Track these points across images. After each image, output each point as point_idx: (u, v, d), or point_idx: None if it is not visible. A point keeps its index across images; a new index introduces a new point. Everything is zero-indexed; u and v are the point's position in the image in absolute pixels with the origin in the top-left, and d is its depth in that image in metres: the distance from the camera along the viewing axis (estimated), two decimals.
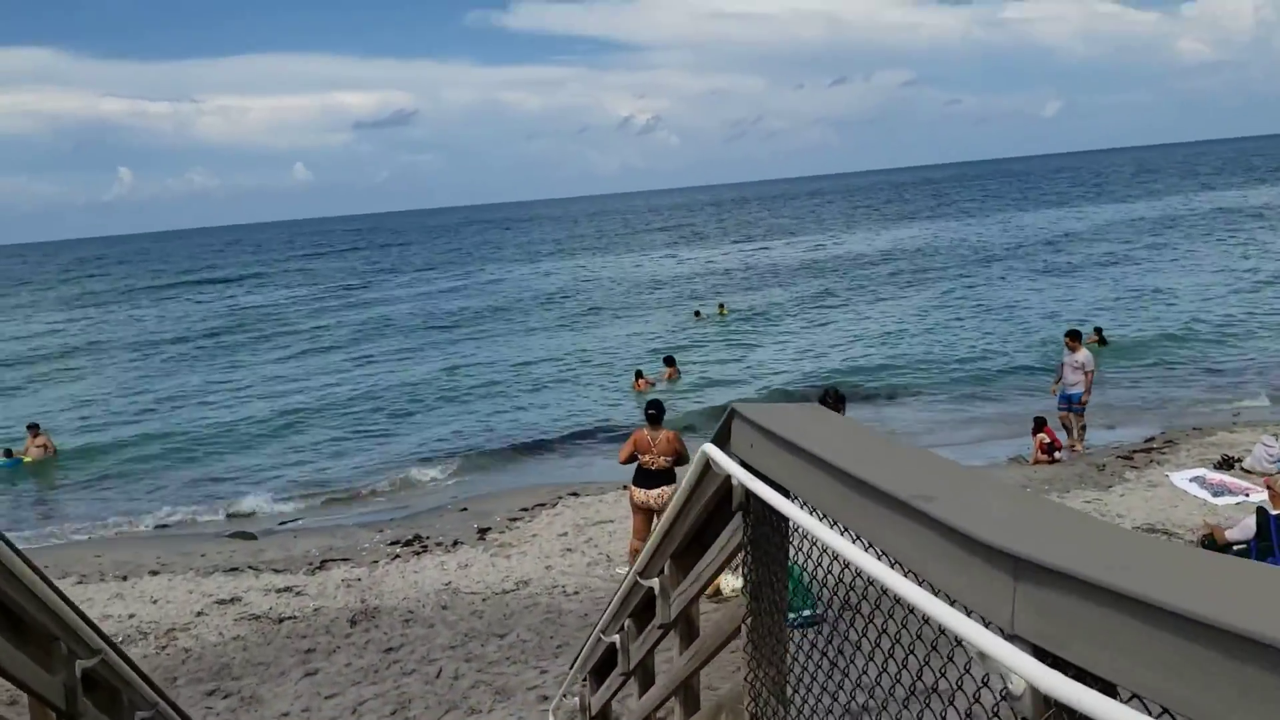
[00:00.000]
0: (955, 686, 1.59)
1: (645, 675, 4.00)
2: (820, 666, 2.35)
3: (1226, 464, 12.36)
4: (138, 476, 18.15)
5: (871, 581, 1.68)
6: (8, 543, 2.78)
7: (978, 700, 1.50)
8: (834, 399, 9.29)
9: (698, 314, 31.86)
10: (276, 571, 11.07)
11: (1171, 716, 1.05)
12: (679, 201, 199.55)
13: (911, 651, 1.84)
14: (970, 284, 35.63)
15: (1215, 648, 0.97)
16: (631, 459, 9.49)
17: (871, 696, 2.03)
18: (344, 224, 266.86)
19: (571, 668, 5.42)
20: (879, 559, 1.69)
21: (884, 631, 1.96)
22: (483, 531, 12.28)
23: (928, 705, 1.76)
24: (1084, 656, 1.18)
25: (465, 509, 14.01)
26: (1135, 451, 13.78)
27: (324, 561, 11.39)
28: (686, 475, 2.87)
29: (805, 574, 2.45)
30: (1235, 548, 7.85)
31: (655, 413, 9.47)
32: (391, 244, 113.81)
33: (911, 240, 55.93)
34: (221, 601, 9.98)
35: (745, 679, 2.71)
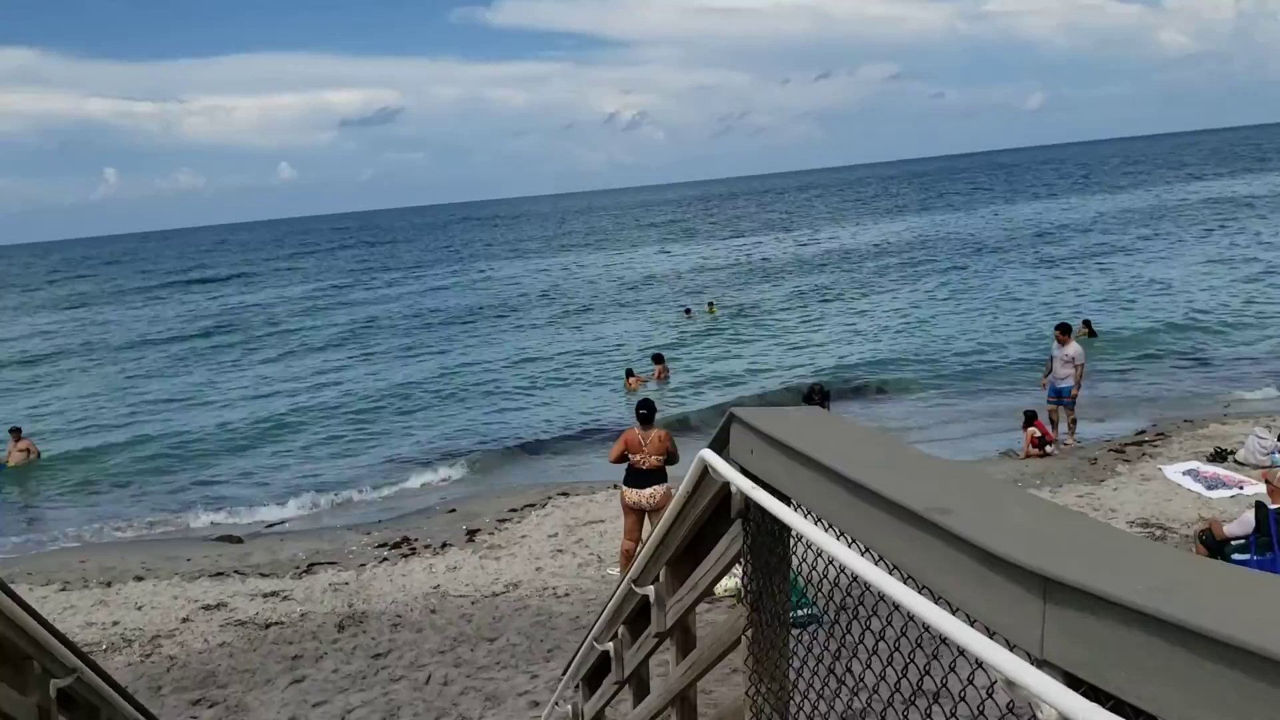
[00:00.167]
0: (977, 713, 1.50)
1: (640, 684, 3.93)
2: (826, 683, 2.25)
3: (1219, 456, 12.33)
4: (123, 480, 17.94)
5: (882, 597, 1.59)
6: None
7: None
8: (820, 395, 9.23)
9: (688, 312, 31.78)
10: (263, 576, 10.92)
11: None
12: (668, 198, 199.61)
13: (927, 672, 1.74)
14: (961, 277, 35.66)
15: None
16: (622, 459, 9.39)
17: (882, 717, 1.94)
18: (331, 222, 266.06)
19: (564, 674, 5.33)
20: (890, 573, 1.60)
21: (897, 649, 1.86)
22: (471, 533, 12.15)
23: None
24: (1125, 688, 1.08)
25: (454, 510, 13.88)
26: (1127, 445, 13.75)
27: (311, 565, 11.24)
28: (683, 481, 2.77)
29: (799, 576, 2.37)
30: (1234, 542, 7.78)
31: (646, 412, 9.37)
32: (379, 242, 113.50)
33: (901, 235, 55.97)
34: (207, 607, 9.83)
35: (746, 693, 2.62)
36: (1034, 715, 1.18)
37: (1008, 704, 1.26)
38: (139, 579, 10.94)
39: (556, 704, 5.62)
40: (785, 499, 2.10)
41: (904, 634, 1.81)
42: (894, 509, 1.61)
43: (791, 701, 2.49)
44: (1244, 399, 16.50)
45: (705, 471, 2.57)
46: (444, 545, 11.71)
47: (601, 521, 11.89)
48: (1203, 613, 1.00)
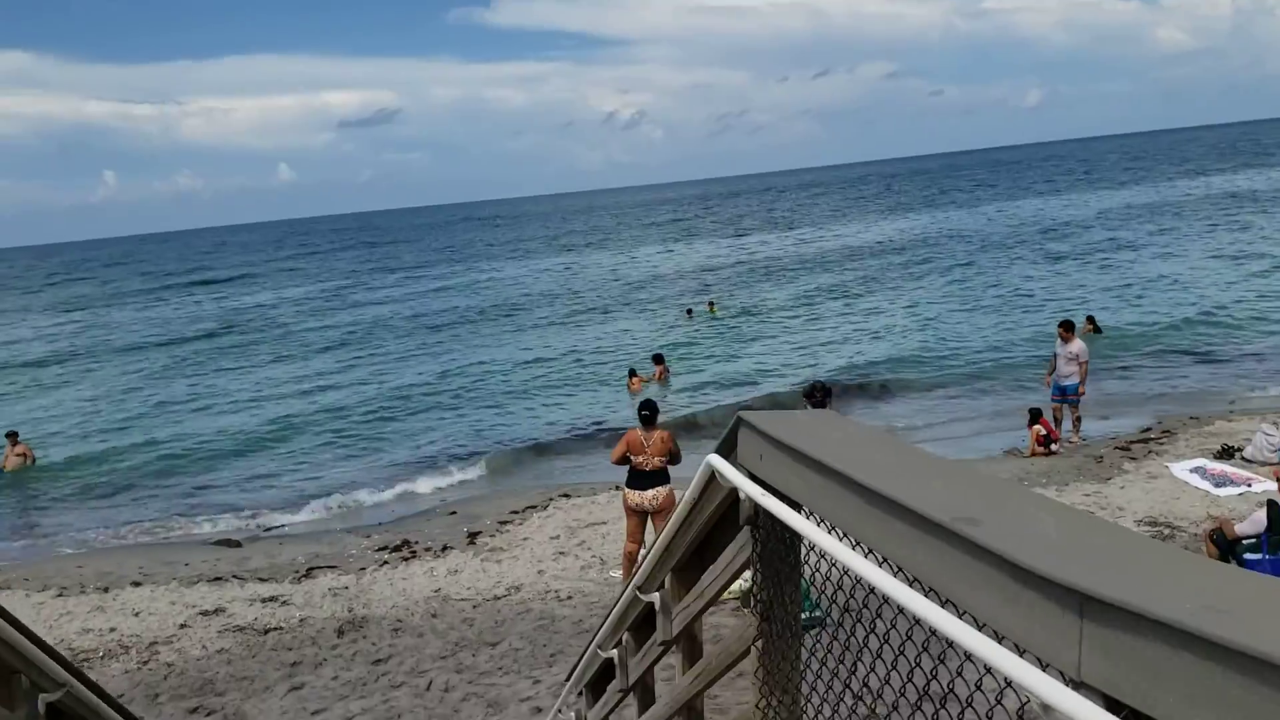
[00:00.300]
0: None
1: (645, 692, 3.87)
2: (842, 698, 2.16)
3: (1227, 453, 12.23)
4: (122, 484, 17.84)
5: (901, 610, 1.52)
6: None
7: None
8: (821, 392, 9.14)
9: (689, 312, 31.69)
10: (262, 580, 10.82)
11: None
12: (668, 197, 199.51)
13: (950, 690, 1.66)
14: (965, 275, 35.52)
15: None
16: (624, 460, 9.28)
17: None
18: (330, 224, 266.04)
19: (567, 680, 5.24)
20: (910, 585, 1.52)
21: (918, 665, 1.77)
22: (472, 536, 12.06)
23: None
24: (1174, 716, 1.01)
25: (454, 512, 13.78)
26: (1133, 442, 13.65)
27: (310, 569, 11.14)
28: (690, 487, 2.68)
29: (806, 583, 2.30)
30: (1245, 541, 7.68)
31: (649, 413, 9.27)
32: (380, 242, 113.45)
33: (905, 232, 55.82)
34: (205, 613, 9.72)
35: (756, 705, 2.55)
36: None
37: None
38: (136, 584, 10.84)
39: (560, 711, 5.53)
40: (796, 505, 2.03)
41: (925, 649, 1.73)
42: (916, 519, 1.55)
43: (804, 715, 2.40)
44: (1250, 395, 16.39)
45: (712, 477, 2.50)
46: (445, 548, 11.61)
47: (604, 523, 11.79)
48: (1262, 636, 0.92)
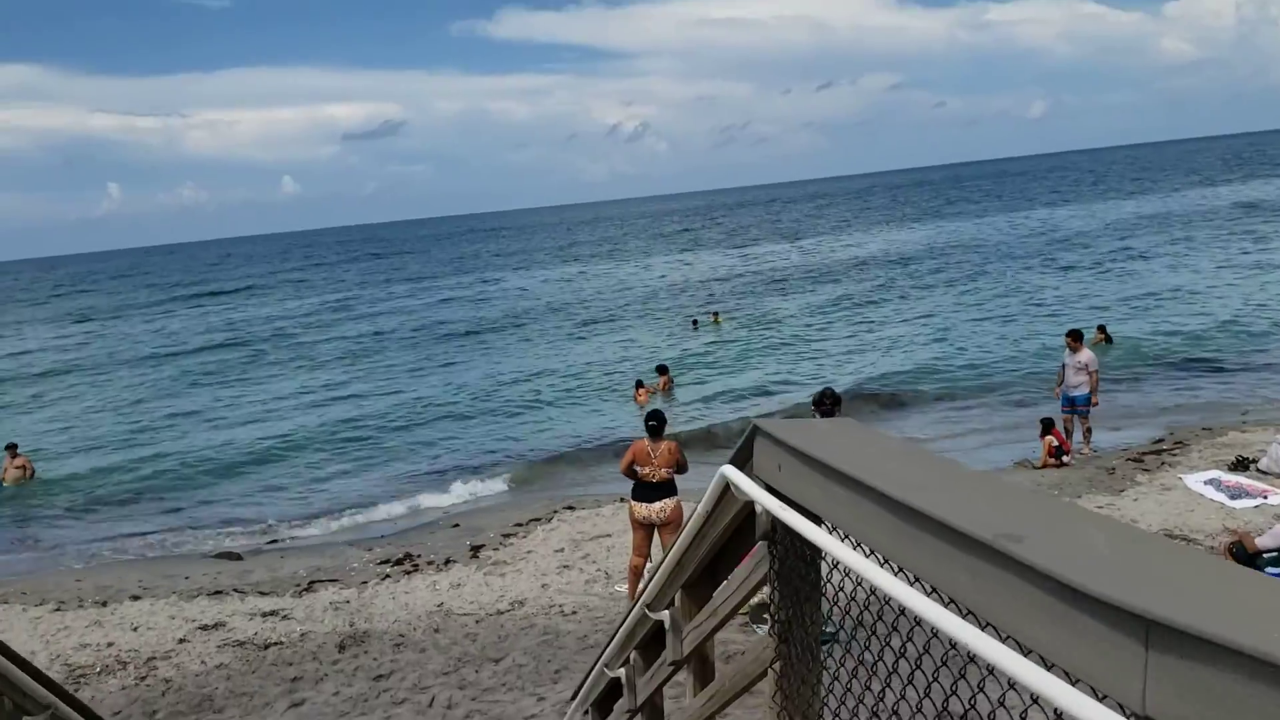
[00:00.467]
0: None
1: (654, 712, 3.71)
2: None
3: (1241, 465, 12.04)
4: (123, 497, 17.71)
5: (936, 633, 1.40)
6: None
7: None
8: (831, 400, 8.99)
9: (695, 323, 31.57)
10: (262, 594, 10.66)
11: None
12: (673, 208, 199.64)
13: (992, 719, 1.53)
14: (977, 285, 35.36)
15: None
16: (631, 470, 9.14)
17: None
18: (335, 235, 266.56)
19: (572, 700, 5.10)
20: (945, 606, 1.41)
21: (954, 693, 1.64)
22: (476, 549, 11.90)
23: None
24: None
25: (457, 525, 13.62)
26: (1145, 453, 13.48)
27: (311, 583, 10.98)
28: (702, 500, 2.55)
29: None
30: (1266, 555, 7.51)
31: (656, 424, 9.13)
32: (386, 254, 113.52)
33: (914, 243, 55.66)
34: (205, 627, 9.57)
35: None
36: None
37: None
38: (135, 598, 10.69)
39: None
40: (816, 519, 1.90)
41: (963, 675, 1.60)
42: (954, 536, 1.41)
43: None
44: (1263, 406, 16.18)
45: (726, 489, 2.36)
46: (448, 561, 11.46)
47: (608, 536, 11.63)
48: None
